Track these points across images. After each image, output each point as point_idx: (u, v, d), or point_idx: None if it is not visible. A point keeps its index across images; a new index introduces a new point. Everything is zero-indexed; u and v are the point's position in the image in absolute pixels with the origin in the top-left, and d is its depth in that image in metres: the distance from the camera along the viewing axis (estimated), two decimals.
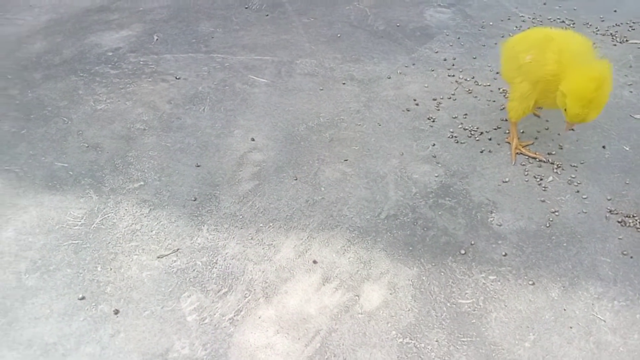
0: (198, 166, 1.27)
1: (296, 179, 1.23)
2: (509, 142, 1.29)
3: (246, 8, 1.89)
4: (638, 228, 1.09)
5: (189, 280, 1.02)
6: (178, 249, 1.07)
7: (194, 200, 1.18)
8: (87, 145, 1.34)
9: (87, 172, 1.26)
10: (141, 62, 1.64)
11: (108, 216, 1.15)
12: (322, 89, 1.50)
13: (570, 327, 0.93)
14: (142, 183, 1.23)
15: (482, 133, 1.34)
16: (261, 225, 1.12)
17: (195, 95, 1.50)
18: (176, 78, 1.57)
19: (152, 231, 1.11)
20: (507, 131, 1.33)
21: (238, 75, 1.57)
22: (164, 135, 1.36)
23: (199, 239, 1.10)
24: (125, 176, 1.24)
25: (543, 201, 1.16)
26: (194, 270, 1.04)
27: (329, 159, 1.28)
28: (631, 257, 1.03)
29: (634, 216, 1.12)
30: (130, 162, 1.28)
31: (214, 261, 1.05)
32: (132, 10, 1.93)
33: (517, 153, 1.27)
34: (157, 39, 1.75)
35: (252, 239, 1.09)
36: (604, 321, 0.94)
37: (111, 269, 1.04)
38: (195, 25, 1.82)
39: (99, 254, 1.07)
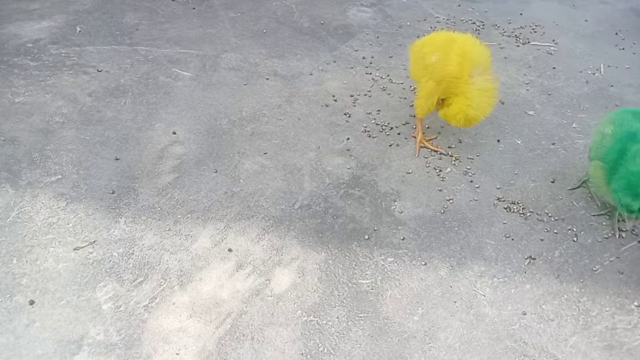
0: (117, 159, 1.29)
1: (216, 172, 1.28)
2: (414, 137, 1.41)
3: (173, 0, 1.90)
4: (521, 213, 1.24)
5: (105, 270, 1.06)
6: (95, 241, 1.11)
7: (112, 193, 1.21)
8: (3, 139, 1.33)
9: (3, 166, 1.25)
10: (62, 54, 1.62)
11: (24, 209, 1.16)
12: (245, 84, 1.56)
13: (455, 302, 1.05)
14: (59, 176, 1.24)
15: (392, 128, 1.45)
16: (179, 216, 1.17)
17: (117, 88, 1.51)
18: (98, 71, 1.57)
19: (69, 224, 1.14)
20: (414, 126, 1.44)
21: (162, 69, 1.59)
22: (83, 129, 1.37)
23: (116, 231, 1.13)
24: (43, 170, 1.25)
25: (440, 190, 1.28)
26: (110, 261, 1.08)
27: (249, 152, 1.34)
28: (512, 239, 1.17)
29: (518, 203, 1.26)
30: (48, 156, 1.28)
31: (131, 252, 1.09)
32: (55, 0, 1.89)
33: (421, 146, 1.39)
34: (79, 31, 1.73)
35: (169, 230, 1.14)
36: (484, 296, 1.07)
37: (27, 262, 1.06)
38: (119, 17, 1.81)
39: (15, 247, 1.09)
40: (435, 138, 1.42)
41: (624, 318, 1.04)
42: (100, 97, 1.48)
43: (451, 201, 1.25)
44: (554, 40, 1.84)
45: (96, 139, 1.35)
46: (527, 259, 1.14)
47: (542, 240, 1.17)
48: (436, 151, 1.38)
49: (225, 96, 1.50)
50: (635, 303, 1.06)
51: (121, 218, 1.16)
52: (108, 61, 1.61)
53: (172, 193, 1.22)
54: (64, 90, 1.48)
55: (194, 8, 1.86)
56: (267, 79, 1.58)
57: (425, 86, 1.30)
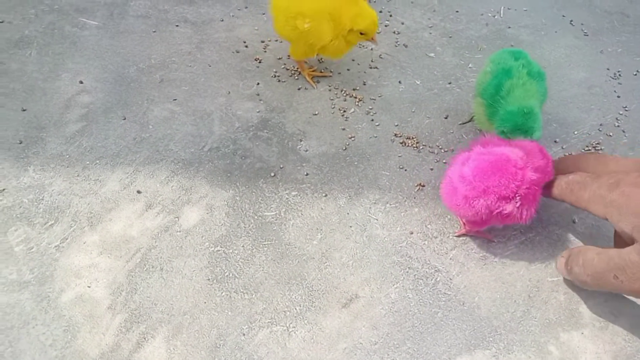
0: (24, 110, 1.29)
1: (124, 119, 1.31)
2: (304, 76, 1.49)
3: None
4: (415, 147, 1.36)
5: (15, 216, 1.09)
6: (4, 189, 1.13)
7: (20, 143, 1.22)
8: None
9: None
10: None
11: None
12: (154, 31, 1.56)
13: (350, 226, 1.17)
14: None
15: (300, 72, 1.51)
16: (88, 162, 1.21)
17: (21, 39, 1.48)
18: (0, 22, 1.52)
19: None
20: (321, 70, 1.51)
21: (68, 18, 1.56)
22: None
23: (25, 178, 1.16)
24: None
25: (343, 129, 1.37)
26: (20, 207, 1.11)
27: (158, 99, 1.37)
28: (405, 170, 1.29)
29: (413, 138, 1.37)
30: None
31: (41, 198, 1.13)
32: None
33: (312, 77, 1.47)
34: None
35: (78, 176, 1.18)
36: (377, 219, 1.19)
37: None
38: None
39: None
40: (314, 69, 1.50)
41: (498, 233, 1.19)
42: (4, 49, 1.44)
43: (353, 139, 1.35)
44: None
45: (1, 91, 1.33)
46: (417, 186, 1.26)
47: (431, 169, 1.30)
48: (325, 76, 1.47)
49: (134, 44, 1.50)
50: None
51: (30, 167, 1.18)
52: (10, 12, 1.55)
53: (80, 141, 1.24)
54: None
55: None
56: (177, 25, 1.59)
57: (299, 46, 1.35)
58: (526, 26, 1.79)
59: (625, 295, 1.08)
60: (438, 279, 1.10)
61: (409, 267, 1.11)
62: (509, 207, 1.03)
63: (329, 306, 1.04)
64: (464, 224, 1.17)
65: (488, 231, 1.17)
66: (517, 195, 1.03)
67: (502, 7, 1.86)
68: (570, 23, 1.80)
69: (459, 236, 1.17)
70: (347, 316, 1.03)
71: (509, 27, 1.80)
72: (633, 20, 1.87)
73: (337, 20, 1.29)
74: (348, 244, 1.14)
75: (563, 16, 1.83)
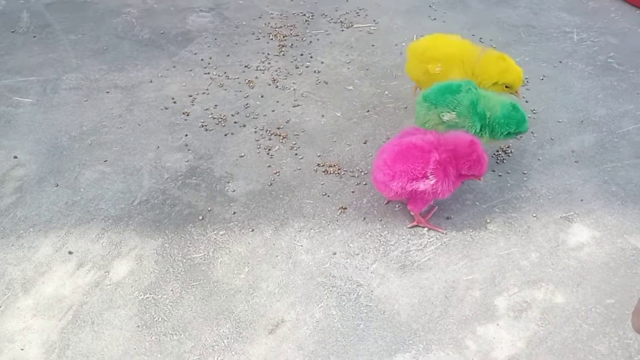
0: None
1: (57, 185, 1.38)
2: None
3: (12, 32, 1.94)
4: (337, 173, 1.43)
5: None
6: None
7: None
8: None
9: None
10: None
11: None
12: (86, 100, 1.65)
13: (277, 256, 1.23)
14: None
15: (227, 119, 1.60)
16: (22, 232, 1.27)
17: None
18: None
19: None
20: (248, 115, 1.60)
21: (2, 99, 1.65)
22: None
23: None
24: None
25: (269, 166, 1.45)
26: None
27: (89, 162, 1.45)
28: (328, 196, 1.37)
29: (335, 165, 1.46)
30: None
31: None
32: None
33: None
34: None
35: (12, 245, 1.23)
36: (302, 246, 1.25)
37: None
38: None
39: None
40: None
41: (416, 241, 1.26)
42: None
43: (278, 174, 1.43)
44: (374, 21, 2.07)
45: None
46: (339, 209, 1.33)
47: (353, 192, 1.38)
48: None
49: (66, 115, 1.59)
50: (426, 229, 1.28)
51: None
52: None
53: (14, 212, 1.30)
54: None
55: (34, 36, 1.92)
56: (108, 92, 1.69)
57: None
58: None
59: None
60: (360, 293, 1.15)
61: (332, 286, 1.17)
62: (421, 186, 1.19)
63: (256, 334, 1.08)
64: (415, 217, 1.29)
65: (437, 224, 1.29)
66: (426, 174, 1.18)
67: (415, 36, 2.00)
68: (480, 40, 1.93)
69: (411, 227, 1.28)
70: (273, 341, 1.07)
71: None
72: (538, 30, 2.02)
73: (467, 67, 1.42)
74: (274, 272, 1.20)
75: (473, 35, 1.97)
